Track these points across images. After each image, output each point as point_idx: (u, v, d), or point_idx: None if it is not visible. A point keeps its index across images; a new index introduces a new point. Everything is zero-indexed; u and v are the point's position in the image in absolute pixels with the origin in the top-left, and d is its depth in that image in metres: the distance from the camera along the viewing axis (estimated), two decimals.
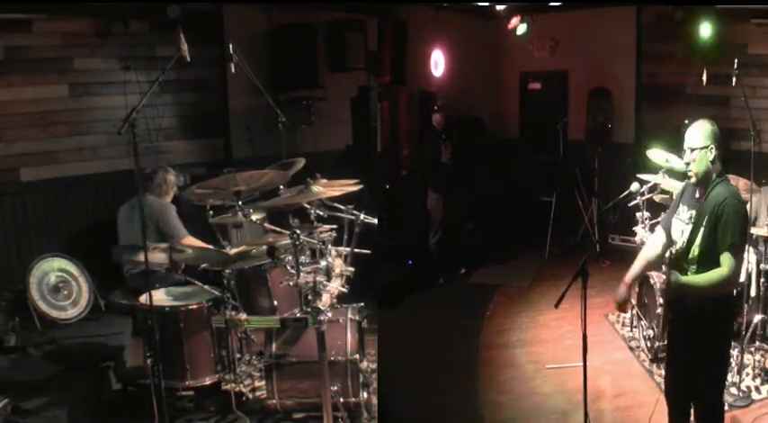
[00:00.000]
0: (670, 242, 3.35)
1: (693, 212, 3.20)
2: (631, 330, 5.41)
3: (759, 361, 4.63)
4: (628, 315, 5.70)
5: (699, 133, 3.16)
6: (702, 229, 3.11)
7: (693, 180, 3.22)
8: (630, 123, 8.32)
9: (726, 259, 3.03)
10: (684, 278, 3.12)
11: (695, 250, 3.16)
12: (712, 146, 3.13)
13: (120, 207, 5.10)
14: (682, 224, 3.26)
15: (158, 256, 4.06)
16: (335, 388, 3.87)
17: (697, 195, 3.24)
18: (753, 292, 4.81)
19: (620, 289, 3.41)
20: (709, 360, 3.21)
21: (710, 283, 3.05)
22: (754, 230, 4.63)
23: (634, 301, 5.11)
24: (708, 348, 3.19)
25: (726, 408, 4.24)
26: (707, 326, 3.16)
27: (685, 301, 3.18)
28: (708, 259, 3.10)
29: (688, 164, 3.21)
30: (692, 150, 3.17)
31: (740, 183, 5.01)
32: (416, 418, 4.56)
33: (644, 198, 5.26)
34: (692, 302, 3.15)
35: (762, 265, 4.62)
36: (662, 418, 3.53)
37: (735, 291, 3.40)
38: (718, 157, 3.16)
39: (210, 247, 4.56)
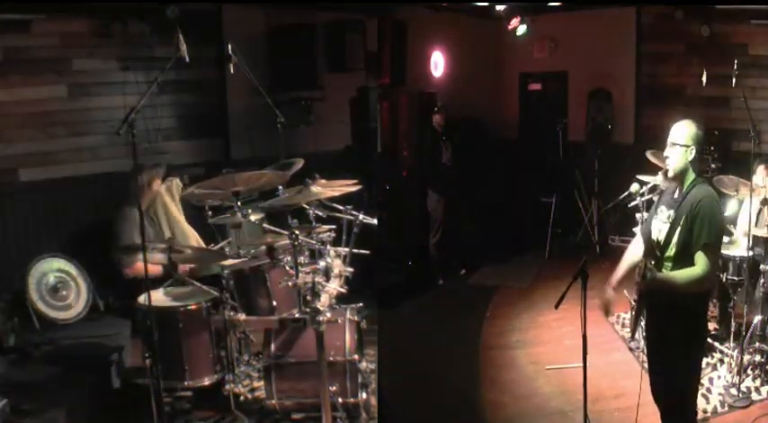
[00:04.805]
0: (648, 243, 3.38)
1: (672, 212, 3.23)
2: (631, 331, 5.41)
3: (759, 361, 4.63)
4: (628, 315, 5.70)
5: (683, 132, 3.22)
6: (679, 229, 3.15)
7: (670, 174, 3.26)
8: (630, 124, 8.32)
9: (700, 258, 3.08)
10: (660, 274, 3.17)
11: (672, 249, 3.20)
12: (693, 147, 3.19)
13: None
14: (660, 224, 3.30)
15: (157, 257, 4.05)
16: (334, 388, 3.87)
17: (675, 196, 3.28)
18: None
19: (606, 292, 3.48)
20: (678, 361, 3.21)
21: (685, 280, 3.10)
22: (754, 231, 4.62)
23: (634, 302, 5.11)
24: (676, 349, 3.20)
25: (725, 408, 4.27)
26: (676, 326, 3.17)
27: (658, 299, 3.19)
28: (684, 258, 3.14)
29: (668, 157, 3.26)
30: (674, 145, 3.22)
31: (739, 184, 5.01)
32: (416, 419, 4.55)
33: (644, 199, 5.26)
34: (665, 301, 3.16)
35: (762, 266, 4.60)
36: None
37: (709, 295, 3.44)
38: (697, 160, 3.21)
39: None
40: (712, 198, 3.16)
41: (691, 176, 3.22)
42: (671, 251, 3.20)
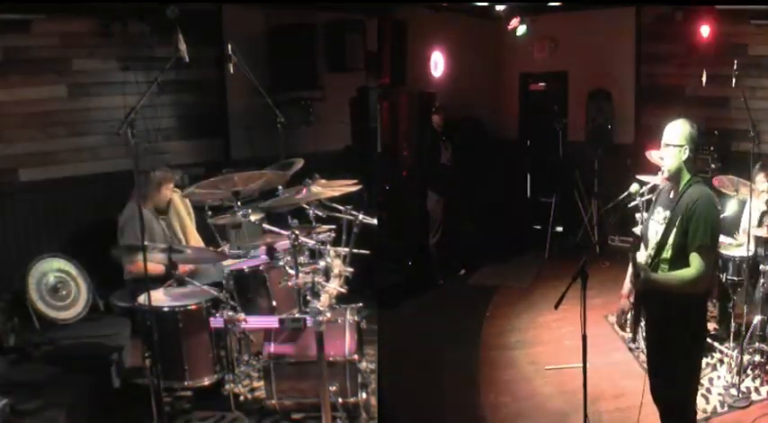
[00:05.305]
0: (647, 244, 3.36)
1: (668, 213, 3.22)
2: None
3: (759, 361, 4.63)
4: (628, 316, 5.69)
5: (676, 132, 3.20)
6: (675, 230, 3.13)
7: (665, 175, 3.26)
8: (630, 124, 8.32)
9: (694, 259, 3.05)
10: (653, 274, 3.15)
11: (668, 251, 3.17)
12: (687, 147, 3.17)
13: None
14: (656, 225, 3.28)
15: (157, 257, 4.05)
16: (334, 388, 3.87)
17: (672, 196, 3.27)
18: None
19: (620, 302, 3.47)
20: (677, 362, 3.21)
21: (679, 281, 3.08)
22: (754, 231, 4.62)
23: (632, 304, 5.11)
24: (675, 350, 3.19)
25: (725, 408, 4.27)
26: (675, 326, 3.17)
27: (656, 300, 3.19)
28: (680, 259, 3.12)
29: (662, 158, 3.25)
30: (667, 146, 3.21)
31: (739, 184, 5.01)
32: (416, 419, 4.55)
33: (643, 199, 5.26)
34: (663, 302, 3.16)
35: (762, 266, 4.61)
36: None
37: (707, 296, 3.42)
38: (692, 159, 3.19)
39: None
40: (709, 198, 3.12)
41: (686, 176, 3.19)
42: (667, 253, 3.17)
